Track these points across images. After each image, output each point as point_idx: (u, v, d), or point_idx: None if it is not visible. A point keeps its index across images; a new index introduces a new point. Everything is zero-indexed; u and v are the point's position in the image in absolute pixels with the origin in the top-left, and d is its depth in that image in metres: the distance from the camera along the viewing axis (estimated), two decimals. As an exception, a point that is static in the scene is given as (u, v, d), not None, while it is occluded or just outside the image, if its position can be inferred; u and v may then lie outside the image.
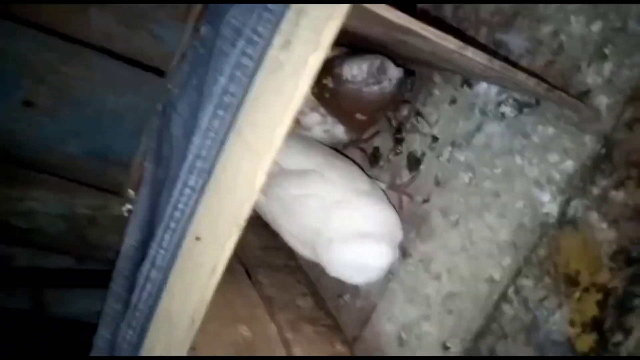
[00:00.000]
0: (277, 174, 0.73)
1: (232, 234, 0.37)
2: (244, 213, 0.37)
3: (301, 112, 0.78)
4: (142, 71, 0.80)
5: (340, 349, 0.72)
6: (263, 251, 0.92)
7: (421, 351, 0.62)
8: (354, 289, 0.76)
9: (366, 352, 0.70)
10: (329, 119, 0.77)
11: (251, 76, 0.39)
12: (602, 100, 0.51)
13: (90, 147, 0.84)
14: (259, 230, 0.98)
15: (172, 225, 0.45)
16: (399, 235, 0.65)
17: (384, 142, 0.82)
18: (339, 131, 0.78)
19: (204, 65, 0.44)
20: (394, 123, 0.80)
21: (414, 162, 0.74)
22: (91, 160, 0.86)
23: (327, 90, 0.74)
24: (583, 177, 0.51)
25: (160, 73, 0.79)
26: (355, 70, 0.70)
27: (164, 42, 0.78)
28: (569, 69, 0.55)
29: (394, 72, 0.69)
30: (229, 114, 0.41)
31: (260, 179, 0.36)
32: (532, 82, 0.44)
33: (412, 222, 0.70)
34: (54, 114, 0.79)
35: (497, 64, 0.41)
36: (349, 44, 0.76)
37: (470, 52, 0.39)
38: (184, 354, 0.42)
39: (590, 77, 0.53)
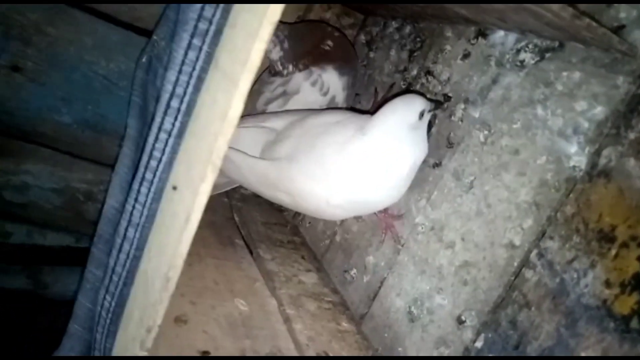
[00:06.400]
0: (275, 139, 0.68)
1: (206, 175, 0.32)
2: (219, 148, 0.32)
3: (285, 80, 0.74)
4: (134, 34, 0.75)
5: (346, 327, 0.67)
6: (266, 227, 0.87)
7: (433, 326, 0.57)
8: (361, 264, 0.71)
9: (374, 330, 0.65)
10: (313, 68, 0.74)
11: (229, -5, 0.34)
12: (638, 35, 0.45)
13: (83, 116, 0.80)
14: (263, 207, 0.94)
15: (148, 175, 0.41)
16: None
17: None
18: (329, 77, 0.74)
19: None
20: (403, 84, 0.74)
21: (425, 125, 0.68)
22: (85, 130, 0.82)
23: (284, 42, 0.74)
24: (616, 123, 0.44)
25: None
26: None
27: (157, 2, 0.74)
28: (597, 3, 0.49)
29: None
30: (206, 43, 0.36)
31: (237, 107, 0.31)
32: (555, 6, 0.38)
33: (423, 189, 0.64)
34: (44, 80, 0.75)
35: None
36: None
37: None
38: (158, 319, 0.37)
39: (624, 11, 0.46)
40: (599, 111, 0.46)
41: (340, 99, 0.76)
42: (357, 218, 0.75)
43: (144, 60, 0.56)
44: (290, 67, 0.74)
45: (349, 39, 0.86)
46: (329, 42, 0.78)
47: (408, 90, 0.73)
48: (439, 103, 0.63)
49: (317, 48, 0.77)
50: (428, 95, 0.69)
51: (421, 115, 0.59)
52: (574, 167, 0.46)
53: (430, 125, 0.67)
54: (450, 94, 0.65)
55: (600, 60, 0.47)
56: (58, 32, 0.73)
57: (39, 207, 0.88)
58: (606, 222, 0.39)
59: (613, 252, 0.37)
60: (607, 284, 0.36)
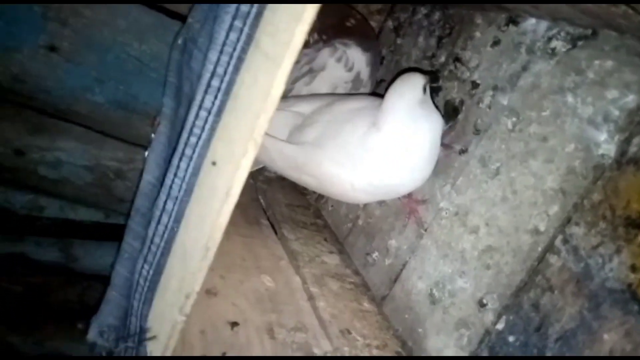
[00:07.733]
0: (302, 123, 0.69)
1: (247, 150, 0.34)
2: (261, 125, 0.33)
3: (310, 58, 0.76)
4: (166, 17, 0.77)
5: (368, 307, 0.69)
6: (290, 209, 0.89)
7: (455, 308, 0.58)
8: (383, 247, 0.72)
9: (395, 311, 0.67)
10: (337, 44, 0.76)
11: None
12: (674, 25, 0.45)
13: (115, 96, 0.82)
14: (286, 189, 0.96)
15: (188, 151, 0.42)
16: None
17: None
18: (354, 53, 0.75)
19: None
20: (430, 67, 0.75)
21: (452, 111, 0.69)
22: (117, 110, 0.84)
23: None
24: (648, 111, 0.44)
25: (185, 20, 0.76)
26: None
27: (190, -15, 0.75)
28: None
29: None
30: (247, 25, 0.37)
31: (279, 86, 0.32)
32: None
33: (448, 174, 0.65)
34: (78, 60, 0.77)
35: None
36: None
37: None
38: (197, 287, 0.39)
39: (661, -1, 0.46)
40: (631, 99, 0.46)
41: (365, 75, 0.78)
42: (380, 202, 0.76)
43: (179, 42, 0.58)
44: (315, 35, 0.75)
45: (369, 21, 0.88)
46: (352, 20, 0.79)
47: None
48: (432, 74, 0.66)
49: (340, 24, 0.79)
50: (456, 83, 0.69)
51: (424, 89, 0.61)
52: (602, 155, 0.47)
53: (432, 98, 0.67)
54: (478, 81, 0.65)
55: (634, 48, 0.47)
56: (93, 13, 0.75)
57: (71, 183, 0.91)
58: (634, 209, 0.40)
59: (640, 237, 0.38)
60: (633, 268, 0.37)
